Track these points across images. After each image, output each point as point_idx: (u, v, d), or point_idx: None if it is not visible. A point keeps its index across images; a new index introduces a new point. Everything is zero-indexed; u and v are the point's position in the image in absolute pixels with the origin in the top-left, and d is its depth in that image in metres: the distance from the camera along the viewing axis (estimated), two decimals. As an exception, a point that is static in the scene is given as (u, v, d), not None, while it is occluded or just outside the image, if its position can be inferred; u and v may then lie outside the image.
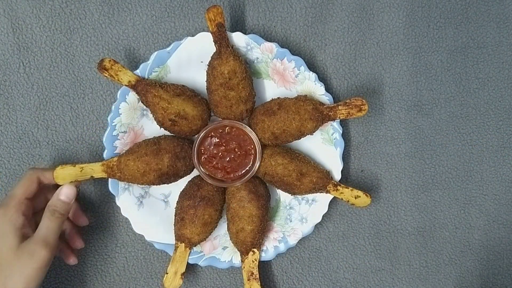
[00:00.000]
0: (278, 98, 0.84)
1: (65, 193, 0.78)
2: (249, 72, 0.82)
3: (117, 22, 0.87)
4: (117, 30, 0.87)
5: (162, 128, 0.82)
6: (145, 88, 0.80)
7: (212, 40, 0.81)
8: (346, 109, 0.82)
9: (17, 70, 0.86)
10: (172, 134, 0.84)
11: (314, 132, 0.83)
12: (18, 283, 0.72)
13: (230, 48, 0.80)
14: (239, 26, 0.88)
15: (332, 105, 0.82)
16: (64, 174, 0.80)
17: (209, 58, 0.82)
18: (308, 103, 0.82)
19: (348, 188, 0.85)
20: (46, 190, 0.81)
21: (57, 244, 0.76)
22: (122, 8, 0.87)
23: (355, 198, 0.85)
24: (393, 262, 0.92)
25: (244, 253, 0.85)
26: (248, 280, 0.85)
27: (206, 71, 0.82)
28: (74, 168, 0.81)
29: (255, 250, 0.85)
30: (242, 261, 0.85)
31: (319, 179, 0.84)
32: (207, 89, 0.83)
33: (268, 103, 0.83)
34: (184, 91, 0.81)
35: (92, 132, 0.86)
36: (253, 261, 0.85)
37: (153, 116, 0.81)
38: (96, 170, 0.82)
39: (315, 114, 0.81)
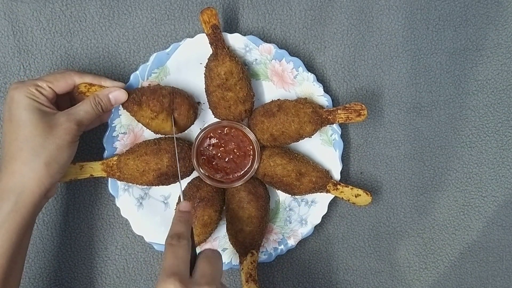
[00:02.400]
0: (278, 99, 0.84)
1: (115, 96, 0.79)
2: (246, 72, 0.82)
3: (117, 25, 0.88)
4: (117, 32, 0.88)
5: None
6: (127, 104, 0.80)
7: (208, 42, 0.81)
8: (345, 113, 0.82)
9: (17, 72, 0.87)
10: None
11: (312, 135, 0.83)
12: (51, 152, 0.73)
13: (226, 49, 0.81)
14: (238, 28, 0.89)
15: (331, 109, 0.83)
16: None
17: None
18: (308, 106, 0.82)
19: (348, 187, 0.85)
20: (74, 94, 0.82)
21: (84, 129, 0.78)
22: (122, 11, 0.87)
23: (356, 196, 0.85)
24: (393, 264, 0.92)
25: (242, 254, 0.85)
26: (247, 282, 0.84)
27: (204, 73, 0.82)
28: (74, 166, 0.81)
29: (253, 251, 0.85)
30: (241, 262, 0.85)
31: (319, 179, 0.84)
32: (205, 91, 0.83)
33: (268, 105, 0.83)
34: (163, 108, 0.80)
35: (92, 133, 0.86)
36: (251, 263, 0.85)
37: None
38: (95, 168, 0.82)
39: (314, 117, 0.82)
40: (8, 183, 0.72)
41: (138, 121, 0.82)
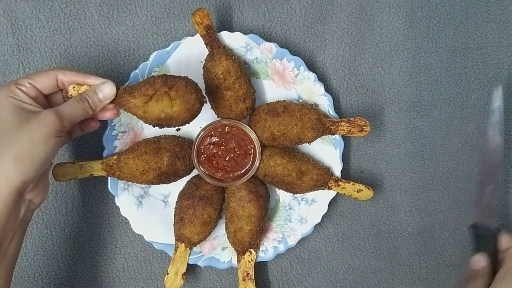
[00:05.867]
0: (284, 101, 0.84)
1: (101, 89, 0.73)
2: (244, 70, 0.82)
3: (117, 23, 0.87)
4: (117, 30, 0.87)
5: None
6: (118, 100, 0.74)
7: (204, 43, 0.81)
8: (348, 126, 0.83)
9: (16, 70, 0.86)
10: (173, 134, 0.85)
11: (312, 142, 0.83)
12: (22, 145, 0.66)
13: (222, 48, 0.81)
14: (238, 26, 0.88)
15: (335, 120, 0.83)
16: (64, 171, 0.81)
17: (207, 59, 0.82)
18: (313, 113, 0.82)
19: (350, 183, 0.85)
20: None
21: (68, 125, 0.70)
22: (121, 9, 0.87)
23: (358, 192, 0.86)
24: (393, 263, 0.92)
25: (241, 253, 0.85)
26: (244, 280, 0.85)
27: (202, 74, 0.82)
28: (73, 165, 0.81)
29: (252, 250, 0.85)
30: (238, 261, 0.85)
31: (320, 176, 0.84)
32: (205, 91, 0.82)
33: (274, 104, 0.83)
34: (156, 89, 0.73)
35: (91, 132, 0.85)
36: (249, 262, 0.85)
37: None
38: (95, 168, 0.82)
39: (317, 125, 0.82)
40: None
41: (135, 114, 0.75)
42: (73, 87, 0.74)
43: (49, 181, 0.75)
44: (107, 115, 0.77)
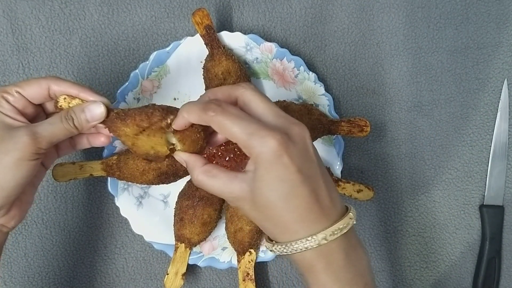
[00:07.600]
0: (284, 101, 0.84)
1: (93, 113, 0.64)
2: (244, 70, 0.82)
3: (116, 22, 0.87)
4: (117, 30, 0.87)
5: None
6: (109, 123, 0.66)
7: (204, 43, 0.81)
8: (348, 126, 0.83)
9: (16, 70, 0.86)
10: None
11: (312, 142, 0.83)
12: None
13: (222, 48, 0.81)
14: (238, 26, 0.88)
15: (335, 120, 0.83)
16: (63, 172, 0.80)
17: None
18: (313, 113, 0.82)
19: (350, 183, 0.85)
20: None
21: (46, 147, 0.62)
22: (121, 9, 0.87)
23: (358, 192, 0.85)
24: (394, 263, 0.92)
25: (241, 253, 0.85)
26: (244, 280, 0.84)
27: (202, 74, 0.82)
28: (73, 166, 0.81)
29: (252, 250, 0.84)
30: (238, 261, 0.85)
31: None
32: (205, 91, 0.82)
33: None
34: (152, 122, 0.63)
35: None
36: (249, 262, 0.85)
37: None
38: (95, 168, 0.82)
39: (317, 125, 0.82)
40: None
41: (124, 143, 0.66)
42: (64, 98, 0.66)
43: (33, 199, 0.69)
44: (102, 135, 0.71)
